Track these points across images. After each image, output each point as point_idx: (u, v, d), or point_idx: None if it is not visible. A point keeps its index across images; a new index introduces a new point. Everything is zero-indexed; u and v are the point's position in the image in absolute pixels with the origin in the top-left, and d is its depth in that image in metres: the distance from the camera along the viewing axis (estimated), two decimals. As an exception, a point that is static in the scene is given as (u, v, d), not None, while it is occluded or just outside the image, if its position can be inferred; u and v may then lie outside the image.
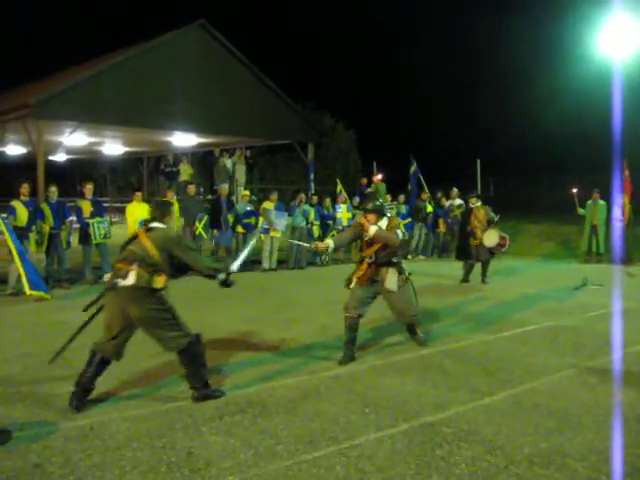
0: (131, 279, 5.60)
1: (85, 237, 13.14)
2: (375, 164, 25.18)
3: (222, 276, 6.01)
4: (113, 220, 22.76)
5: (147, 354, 7.16)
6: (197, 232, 14.94)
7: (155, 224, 5.99)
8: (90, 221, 13.06)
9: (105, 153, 28.84)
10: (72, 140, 21.57)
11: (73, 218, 13.36)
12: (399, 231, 7.47)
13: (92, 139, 23.48)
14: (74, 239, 13.54)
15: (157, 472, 4.36)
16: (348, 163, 37.00)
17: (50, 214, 12.62)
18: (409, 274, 7.64)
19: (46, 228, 12.53)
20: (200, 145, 25.14)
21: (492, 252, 13.38)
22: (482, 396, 5.98)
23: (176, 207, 14.48)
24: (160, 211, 6.12)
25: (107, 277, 5.80)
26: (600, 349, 7.82)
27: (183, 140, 22.60)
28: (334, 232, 17.26)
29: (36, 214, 12.37)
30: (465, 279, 13.70)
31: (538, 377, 6.65)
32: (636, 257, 17.58)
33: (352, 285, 7.46)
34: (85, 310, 5.83)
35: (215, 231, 15.90)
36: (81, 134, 21.10)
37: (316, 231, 17.26)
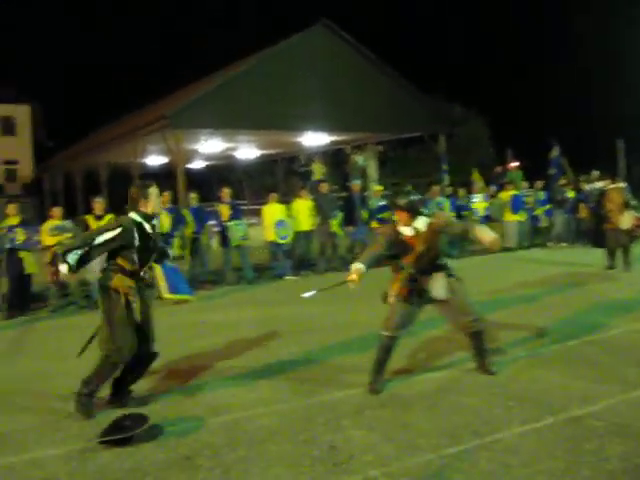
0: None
1: (225, 240, 13.54)
2: (510, 151, 24.55)
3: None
4: (250, 222, 23.33)
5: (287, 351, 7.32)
6: (332, 229, 15.04)
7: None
8: (229, 224, 13.44)
9: (240, 157, 29.65)
10: (208, 147, 22.37)
11: (213, 222, 13.82)
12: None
13: (227, 144, 24.23)
14: (214, 242, 14.01)
15: (300, 465, 4.43)
16: (481, 151, 36.30)
17: (191, 219, 13.10)
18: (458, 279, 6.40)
19: (188, 233, 13.02)
20: (332, 143, 25.38)
21: (632, 236, 12.68)
22: (634, 388, 5.68)
23: (307, 205, 14.73)
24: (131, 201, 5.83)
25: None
26: None
27: (315, 139, 22.89)
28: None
29: (178, 220, 12.88)
30: (610, 266, 13.05)
31: (696, 365, 6.27)
32: None
33: (391, 300, 6.13)
34: None
35: (350, 227, 15.99)
36: (216, 140, 21.83)
37: (452, 223, 16.98)
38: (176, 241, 12.83)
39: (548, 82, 43.24)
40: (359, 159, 22.21)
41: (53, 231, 11.31)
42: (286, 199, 18.88)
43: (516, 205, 17.46)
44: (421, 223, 6.05)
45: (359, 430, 5.01)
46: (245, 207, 28.30)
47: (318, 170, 22.91)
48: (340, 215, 15.19)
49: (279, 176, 31.74)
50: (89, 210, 12.03)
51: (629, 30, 40.25)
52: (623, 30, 40.49)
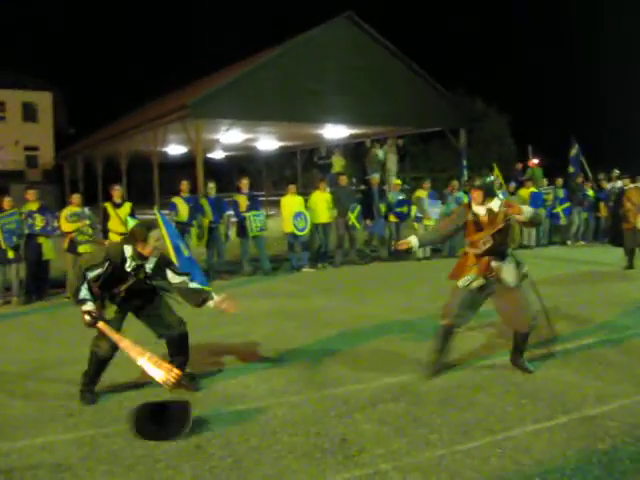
0: None
1: (242, 230, 13.54)
2: (530, 148, 24.39)
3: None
4: (269, 213, 23.37)
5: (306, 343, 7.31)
6: (350, 222, 15.02)
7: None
8: (247, 215, 13.44)
9: (260, 149, 29.68)
10: (228, 137, 22.36)
11: (231, 212, 13.85)
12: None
13: (247, 135, 24.25)
14: (232, 232, 14.03)
15: (311, 457, 4.43)
16: (502, 148, 36.11)
17: (209, 209, 13.11)
18: (525, 272, 6.23)
19: (206, 222, 13.04)
20: (352, 136, 25.32)
21: None
22: (650, 388, 5.63)
23: (326, 198, 14.69)
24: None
25: None
26: None
27: (335, 132, 22.85)
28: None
29: (196, 209, 12.91)
30: (629, 265, 12.91)
31: None
32: None
33: (461, 283, 6.06)
34: None
35: (368, 221, 15.95)
36: (237, 131, 21.82)
37: (470, 218, 16.88)
38: (194, 230, 12.89)
39: (579, 80, 42.88)
40: (379, 152, 22.10)
41: (72, 217, 11.35)
42: (305, 191, 18.89)
43: (535, 202, 17.33)
44: (495, 205, 6.08)
45: (371, 424, 4.99)
46: (264, 198, 28.34)
47: (338, 163, 22.82)
48: (358, 208, 15.16)
49: (298, 168, 31.74)
50: (109, 197, 12.07)
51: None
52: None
